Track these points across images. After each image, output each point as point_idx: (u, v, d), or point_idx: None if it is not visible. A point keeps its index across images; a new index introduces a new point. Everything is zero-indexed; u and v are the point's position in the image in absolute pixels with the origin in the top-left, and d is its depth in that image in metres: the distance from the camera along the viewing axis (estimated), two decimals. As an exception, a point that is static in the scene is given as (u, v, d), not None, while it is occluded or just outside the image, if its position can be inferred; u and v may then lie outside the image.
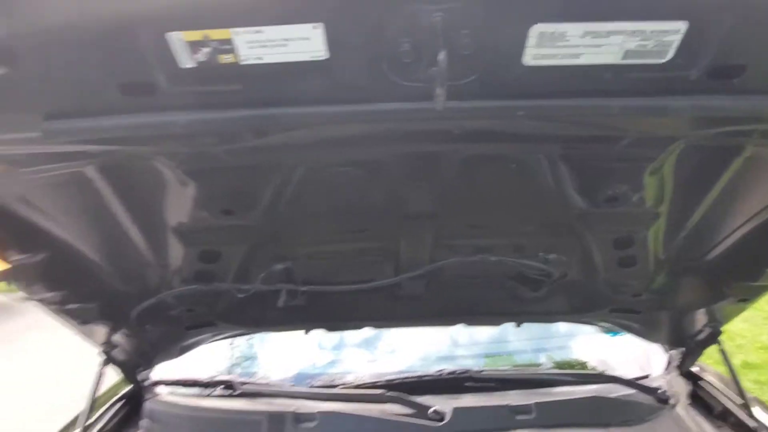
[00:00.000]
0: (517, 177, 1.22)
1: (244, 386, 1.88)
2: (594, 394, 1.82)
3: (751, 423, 1.64)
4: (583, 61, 0.80)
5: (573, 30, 0.76)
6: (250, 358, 2.22)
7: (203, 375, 1.99)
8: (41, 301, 1.41)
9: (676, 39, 0.78)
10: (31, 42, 0.74)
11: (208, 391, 1.90)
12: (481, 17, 0.75)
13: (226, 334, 1.92)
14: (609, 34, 0.77)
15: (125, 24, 0.73)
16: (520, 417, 1.71)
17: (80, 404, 1.69)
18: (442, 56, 0.75)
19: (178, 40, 0.76)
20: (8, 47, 0.74)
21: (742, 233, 1.34)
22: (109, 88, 0.83)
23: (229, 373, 2.11)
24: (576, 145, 1.11)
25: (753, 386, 4.56)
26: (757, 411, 1.73)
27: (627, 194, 1.21)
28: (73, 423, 1.77)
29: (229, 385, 1.90)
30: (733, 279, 1.46)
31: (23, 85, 0.80)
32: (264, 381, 1.98)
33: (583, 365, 2.10)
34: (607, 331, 2.17)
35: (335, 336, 2.25)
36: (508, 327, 2.16)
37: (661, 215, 1.31)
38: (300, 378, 2.04)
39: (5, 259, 1.24)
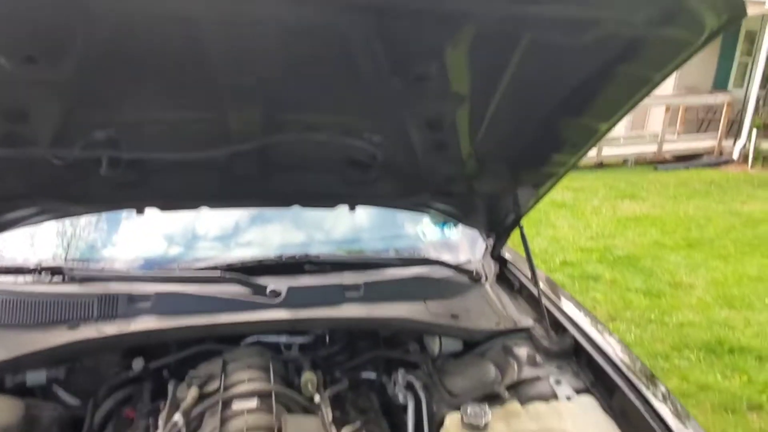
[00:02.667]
0: (335, 51, 1.27)
1: (74, 272, 1.83)
2: (416, 275, 2.07)
3: (535, 292, 1.99)
4: None
5: None
6: (85, 245, 2.15)
7: (29, 261, 1.91)
8: None
9: None
10: None
11: (33, 278, 1.83)
12: None
13: (52, 215, 1.83)
14: None
15: None
16: (349, 294, 1.89)
17: None
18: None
19: None
20: None
21: (533, 121, 1.56)
22: None
23: (62, 258, 2.05)
24: (389, 20, 1.18)
25: (567, 279, 5.40)
26: (542, 285, 2.09)
27: (432, 73, 1.32)
28: None
29: (57, 270, 1.85)
30: (526, 165, 1.70)
31: None
32: (97, 267, 1.94)
33: (414, 252, 2.34)
34: (437, 223, 2.43)
35: (179, 225, 2.25)
36: (350, 216, 2.33)
37: (465, 99, 1.47)
38: (138, 264, 2.04)
39: None
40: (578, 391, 1.66)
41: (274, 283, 1.85)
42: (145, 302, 1.74)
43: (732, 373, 3.82)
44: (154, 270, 1.95)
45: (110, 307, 1.71)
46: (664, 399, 1.53)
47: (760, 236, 6.75)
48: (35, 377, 1.66)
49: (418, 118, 1.57)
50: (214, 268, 1.93)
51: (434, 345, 1.98)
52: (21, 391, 1.63)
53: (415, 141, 1.65)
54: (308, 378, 1.68)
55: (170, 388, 1.66)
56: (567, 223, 7.29)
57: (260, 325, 1.73)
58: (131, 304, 1.73)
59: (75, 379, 1.74)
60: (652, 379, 1.64)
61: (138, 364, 1.69)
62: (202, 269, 1.94)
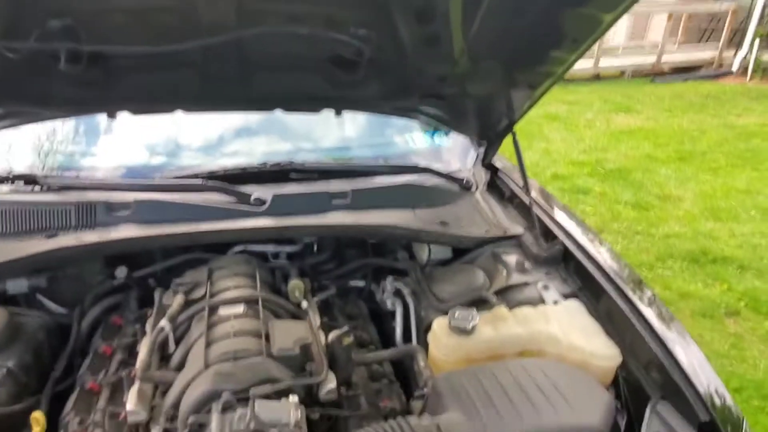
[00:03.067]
0: None
1: (50, 180, 1.76)
2: (405, 182, 2.01)
3: (526, 199, 1.95)
4: None
5: None
6: (63, 154, 2.05)
7: (4, 170, 1.83)
8: None
9: None
10: None
11: (9, 187, 1.76)
12: None
13: (17, 119, 1.72)
14: None
15: None
16: (336, 201, 1.84)
17: None
18: None
19: None
20: None
21: (531, 13, 1.43)
22: None
23: (40, 168, 1.96)
24: None
25: (557, 192, 5.39)
26: (534, 194, 2.05)
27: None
28: None
29: (33, 179, 1.77)
30: (523, 63, 1.59)
31: None
32: (74, 175, 1.86)
33: (403, 160, 2.26)
34: (427, 131, 2.34)
35: (159, 133, 2.15)
36: (337, 124, 2.23)
37: None
38: (117, 174, 1.96)
39: None
40: (565, 296, 1.67)
41: (258, 191, 1.79)
42: (125, 210, 1.68)
43: (713, 282, 3.92)
44: (133, 178, 1.87)
45: (88, 215, 1.66)
46: (650, 303, 1.54)
47: (752, 149, 6.71)
48: (16, 285, 1.63)
49: (406, 8, 1.43)
50: (196, 176, 1.86)
51: (423, 253, 1.96)
52: (4, 300, 1.61)
53: (403, 35, 1.52)
54: (295, 285, 1.67)
55: (156, 295, 1.64)
56: (559, 137, 7.19)
57: (245, 233, 1.69)
58: (110, 213, 1.67)
59: (58, 288, 1.72)
60: (639, 284, 1.65)
61: (121, 272, 1.67)
62: (183, 177, 1.87)
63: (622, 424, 1.32)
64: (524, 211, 2.04)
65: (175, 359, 1.41)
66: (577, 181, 5.72)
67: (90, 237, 1.59)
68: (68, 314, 1.70)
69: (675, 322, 1.51)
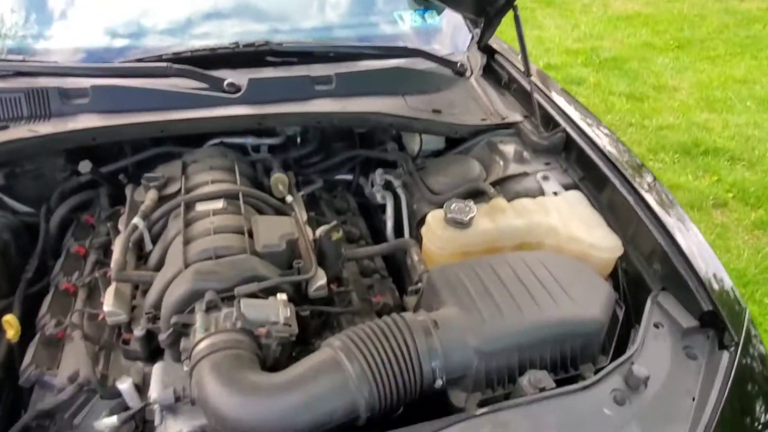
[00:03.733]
0: None
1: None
2: (395, 66, 1.83)
3: (527, 85, 1.79)
4: None
5: None
6: (7, 38, 1.81)
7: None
8: None
9: None
10: None
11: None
12: None
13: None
14: None
15: None
16: (319, 87, 1.68)
17: None
18: None
19: None
20: None
21: None
22: None
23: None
24: None
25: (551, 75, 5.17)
26: (535, 78, 1.89)
27: None
28: None
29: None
30: None
31: None
32: (19, 59, 1.64)
33: (392, 42, 2.05)
34: (417, 9, 2.11)
35: (123, 14, 1.89)
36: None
37: None
38: (71, 58, 1.74)
39: None
40: (566, 187, 1.58)
41: (232, 76, 1.61)
42: (83, 98, 1.51)
43: (703, 174, 3.88)
44: (91, 62, 1.67)
45: (42, 103, 1.48)
46: (650, 188, 1.46)
47: (752, 36, 6.42)
48: (-30, 183, 1.50)
49: None
50: (160, 58, 1.65)
51: (414, 143, 1.84)
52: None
53: None
54: (278, 178, 1.55)
55: (128, 192, 1.52)
56: (553, 23, 6.79)
57: (219, 122, 1.54)
58: (66, 101, 1.50)
59: (19, 186, 1.59)
60: (639, 169, 1.56)
61: (85, 167, 1.52)
62: (146, 60, 1.66)
63: (620, 316, 1.29)
64: (523, 97, 1.89)
65: (153, 259, 1.32)
66: (570, 71, 5.47)
67: (45, 128, 1.43)
68: (35, 213, 1.59)
69: (676, 207, 1.45)
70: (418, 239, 1.49)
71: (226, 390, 0.94)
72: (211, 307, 1.08)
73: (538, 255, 1.28)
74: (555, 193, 1.55)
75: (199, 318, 1.06)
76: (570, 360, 1.11)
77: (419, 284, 1.30)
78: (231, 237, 1.25)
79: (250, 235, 1.27)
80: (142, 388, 1.12)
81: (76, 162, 1.56)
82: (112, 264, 1.23)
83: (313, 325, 1.27)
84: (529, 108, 1.81)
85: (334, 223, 1.32)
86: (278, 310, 1.08)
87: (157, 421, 0.99)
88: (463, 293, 1.12)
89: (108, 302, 1.17)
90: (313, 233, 1.37)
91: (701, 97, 5.00)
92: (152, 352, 1.19)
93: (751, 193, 3.64)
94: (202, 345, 1.01)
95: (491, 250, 1.40)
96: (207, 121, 1.51)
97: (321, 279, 1.24)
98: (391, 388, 0.98)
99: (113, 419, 1.02)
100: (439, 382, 1.01)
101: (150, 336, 1.16)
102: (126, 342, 1.20)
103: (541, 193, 1.55)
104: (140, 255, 1.37)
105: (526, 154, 1.67)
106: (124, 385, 1.08)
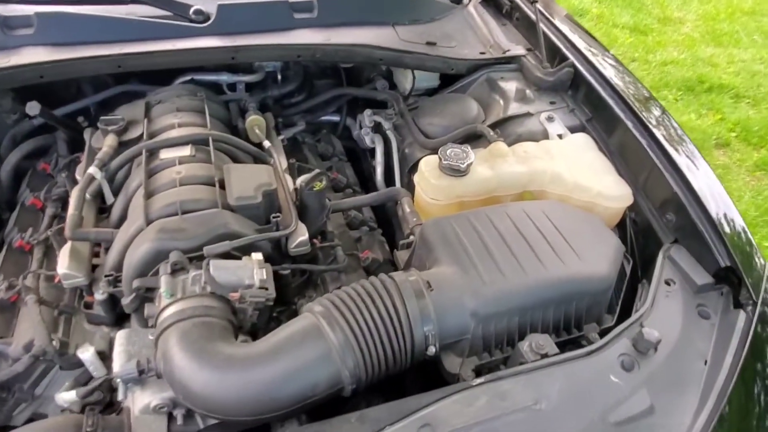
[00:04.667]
0: None
1: None
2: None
3: (531, 13, 1.61)
4: None
5: None
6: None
7: None
8: None
9: None
10: None
11: None
12: None
13: None
14: None
15: None
16: (299, 15, 1.49)
17: None
18: None
19: None
20: None
21: None
22: None
23: None
24: None
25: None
26: (540, 5, 1.70)
27: None
28: None
29: None
30: None
31: None
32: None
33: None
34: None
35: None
36: None
37: None
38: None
39: None
40: (572, 129, 1.44)
41: (199, 2, 1.42)
42: (26, 29, 1.32)
43: (707, 112, 3.73)
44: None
45: None
46: (659, 124, 1.33)
47: (763, -36, 6.07)
48: None
49: None
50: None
51: (406, 80, 1.68)
52: None
53: None
54: (254, 120, 1.40)
55: (86, 137, 1.36)
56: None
57: (185, 56, 1.36)
58: (8, 31, 1.31)
59: (-38, 129, 1.42)
60: (647, 102, 1.42)
61: (33, 109, 1.35)
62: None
63: (628, 270, 1.19)
64: (527, 27, 1.71)
65: (115, 213, 1.19)
66: (572, 2, 5.17)
67: None
68: None
69: (688, 144, 1.32)
70: (410, 188, 1.36)
71: (195, 363, 0.84)
72: (177, 270, 0.97)
73: (541, 205, 1.16)
74: (560, 136, 1.41)
75: (163, 282, 0.94)
76: (574, 321, 1.02)
77: (411, 238, 1.18)
78: (199, 189, 1.11)
79: (222, 186, 1.13)
80: (108, 354, 1.02)
81: (25, 102, 1.39)
82: (67, 219, 1.10)
83: (295, 284, 1.16)
84: (533, 40, 1.64)
85: (317, 171, 1.19)
86: (253, 272, 0.96)
87: (120, 396, 0.90)
88: (459, 249, 1.01)
89: (62, 263, 1.05)
90: (294, 183, 1.23)
91: (707, 30, 4.76)
92: (119, 316, 1.08)
93: (754, 133, 3.51)
94: (167, 312, 0.90)
95: (490, 200, 1.28)
96: (171, 55, 1.34)
97: (302, 234, 1.11)
98: (379, 357, 0.89)
99: (72, 394, 0.92)
100: (432, 349, 0.92)
101: (114, 299, 1.05)
102: (88, 306, 1.09)
103: (545, 136, 1.42)
104: (102, 208, 1.24)
105: (529, 92, 1.52)
106: (86, 354, 0.98)
